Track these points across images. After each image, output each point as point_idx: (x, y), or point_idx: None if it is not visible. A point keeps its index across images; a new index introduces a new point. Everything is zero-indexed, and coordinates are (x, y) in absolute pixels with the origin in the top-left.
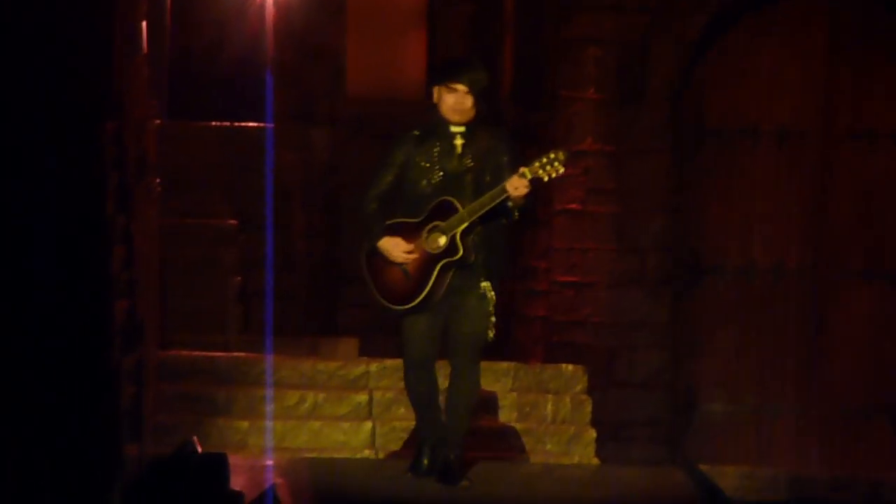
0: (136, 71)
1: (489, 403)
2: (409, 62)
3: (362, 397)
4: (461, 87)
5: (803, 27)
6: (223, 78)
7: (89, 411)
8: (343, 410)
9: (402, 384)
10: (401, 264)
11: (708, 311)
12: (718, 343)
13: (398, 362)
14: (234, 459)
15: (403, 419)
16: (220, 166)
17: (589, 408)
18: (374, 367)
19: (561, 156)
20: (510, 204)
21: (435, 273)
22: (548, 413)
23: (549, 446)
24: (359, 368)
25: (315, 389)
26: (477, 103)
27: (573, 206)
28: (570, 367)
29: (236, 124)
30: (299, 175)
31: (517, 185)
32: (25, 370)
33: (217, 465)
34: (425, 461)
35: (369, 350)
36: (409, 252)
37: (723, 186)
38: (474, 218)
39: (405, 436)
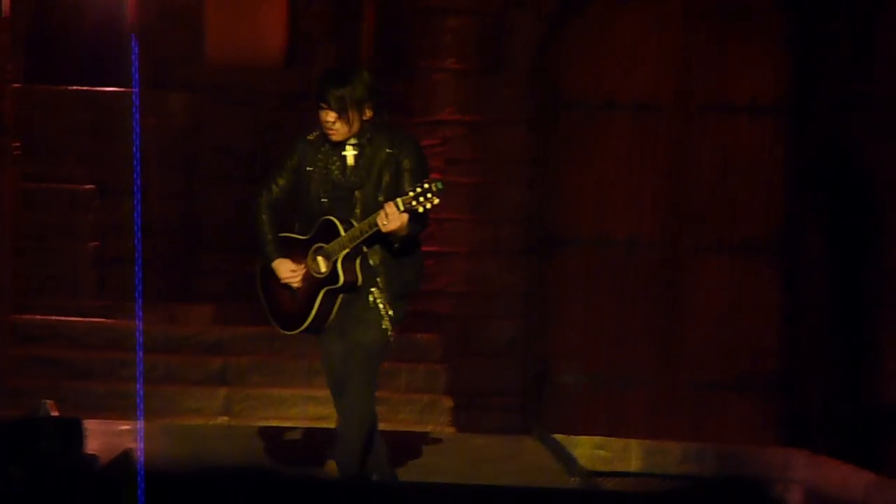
0: None
1: None
2: (270, 28)
3: (217, 364)
4: (324, 106)
5: (661, 0)
6: (83, 42)
7: None
8: (197, 376)
9: (258, 351)
10: (289, 286)
11: (563, 282)
12: (573, 314)
13: (254, 330)
14: (89, 424)
15: (258, 386)
16: (78, 131)
17: (444, 377)
18: (229, 333)
19: (435, 187)
20: (390, 238)
21: (318, 299)
22: (402, 382)
23: (403, 415)
24: (214, 335)
25: (169, 355)
26: (354, 118)
27: (433, 176)
28: (426, 336)
29: (95, 89)
30: (157, 140)
31: (388, 219)
32: None
33: (71, 429)
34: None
35: (226, 317)
36: (295, 272)
37: (579, 158)
38: (353, 245)
39: (259, 403)
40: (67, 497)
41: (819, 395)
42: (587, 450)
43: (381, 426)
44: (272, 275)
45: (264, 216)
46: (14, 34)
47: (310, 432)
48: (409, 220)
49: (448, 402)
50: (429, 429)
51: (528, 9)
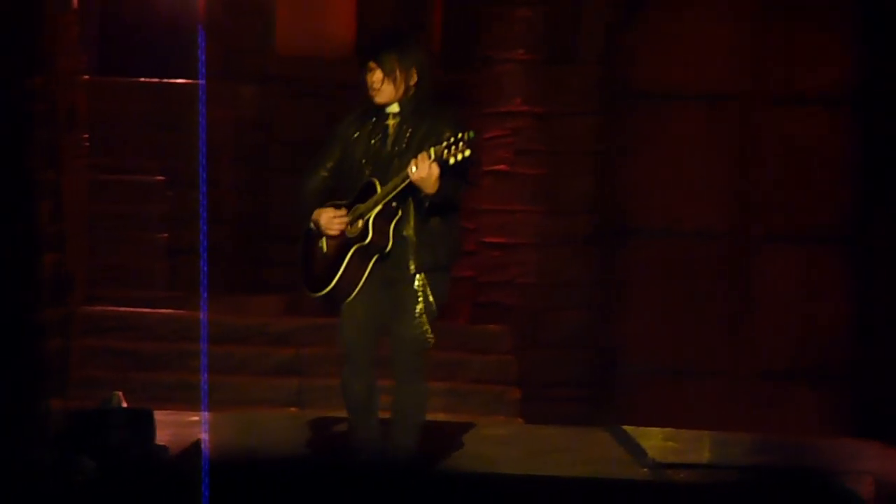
0: (65, 26)
1: None
2: (339, 20)
3: (287, 354)
4: (372, 66)
5: None
6: (153, 34)
7: (14, 363)
8: (268, 366)
9: (329, 342)
10: (323, 251)
11: (633, 272)
12: (643, 304)
13: (324, 320)
14: (159, 415)
15: (329, 376)
16: (149, 123)
17: (514, 368)
18: (299, 324)
19: (467, 136)
20: (421, 195)
21: (347, 258)
22: (472, 373)
23: (472, 406)
24: (284, 325)
25: (240, 345)
26: (401, 82)
27: (501, 167)
28: (496, 327)
29: (165, 81)
30: (228, 132)
31: (418, 168)
32: None
33: (142, 420)
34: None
35: (296, 308)
36: (338, 216)
37: (649, 149)
38: (386, 200)
39: (329, 392)
40: (138, 487)
41: (891, 386)
42: (656, 441)
43: (451, 416)
44: (313, 240)
45: (309, 191)
46: (84, 27)
47: (380, 422)
48: (442, 175)
49: (517, 393)
50: (498, 419)
51: None
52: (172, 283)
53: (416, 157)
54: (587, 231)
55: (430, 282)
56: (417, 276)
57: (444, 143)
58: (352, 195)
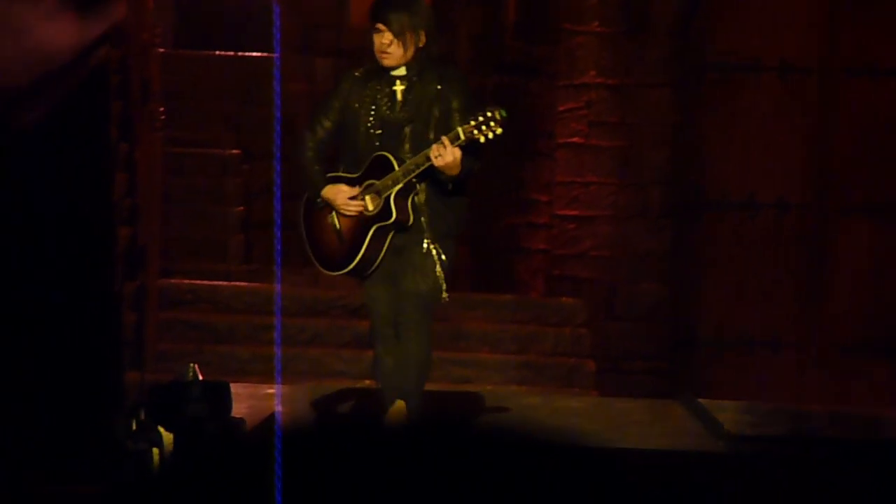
0: None
1: (489, 336)
2: None
3: (363, 327)
4: (381, 27)
5: None
6: (229, 7)
7: (91, 336)
8: (344, 339)
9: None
10: (336, 227)
11: (709, 245)
12: (719, 277)
13: None
14: (235, 387)
15: None
16: (224, 96)
17: (588, 341)
18: None
19: (499, 115)
20: (442, 176)
21: (368, 237)
22: (547, 346)
23: (547, 379)
24: (359, 298)
25: (315, 318)
26: (410, 44)
27: (575, 139)
28: (571, 300)
29: (240, 54)
30: (303, 106)
31: (440, 153)
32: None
33: (219, 393)
34: None
35: None
36: (354, 199)
37: (725, 121)
38: (407, 180)
39: None
40: (216, 460)
41: None
42: (733, 414)
43: (525, 389)
44: (315, 211)
45: (310, 154)
46: (160, 0)
47: (453, 395)
48: (465, 155)
49: (592, 366)
50: (572, 392)
51: None
52: (248, 257)
53: (438, 130)
54: (662, 203)
55: (443, 248)
56: (430, 243)
57: (474, 123)
58: (361, 167)
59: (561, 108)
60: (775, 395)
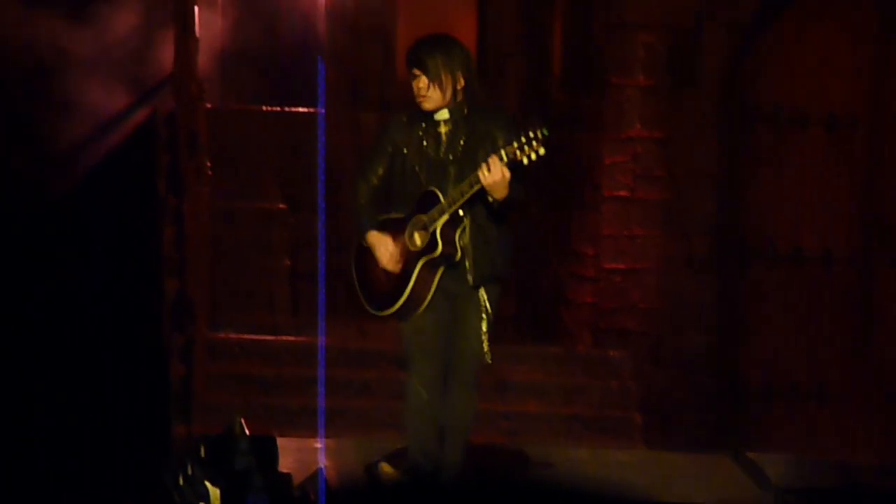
0: (188, 54)
1: (536, 388)
2: None
3: None
4: (417, 72)
5: (854, 12)
6: (276, 62)
7: (139, 389)
8: (392, 391)
9: None
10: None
11: (756, 295)
12: (766, 328)
13: None
14: (282, 441)
15: None
16: (271, 150)
17: (636, 393)
18: None
19: (540, 133)
20: (490, 198)
21: (415, 272)
22: (595, 398)
23: (595, 432)
24: None
25: (364, 370)
26: (447, 87)
27: (622, 192)
28: (618, 352)
29: (287, 109)
30: (349, 159)
31: (489, 171)
32: (78, 347)
33: (266, 446)
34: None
35: None
36: (394, 256)
37: (772, 172)
38: (454, 209)
39: None
40: None
41: None
42: (781, 467)
43: (573, 442)
44: (367, 253)
45: (362, 201)
46: (207, 55)
47: (500, 447)
48: (512, 178)
49: (640, 419)
50: (621, 445)
51: (721, 23)
52: (295, 308)
53: (484, 161)
54: (710, 254)
55: (489, 294)
56: (477, 290)
57: (516, 144)
58: (409, 206)
59: (607, 161)
60: (823, 447)
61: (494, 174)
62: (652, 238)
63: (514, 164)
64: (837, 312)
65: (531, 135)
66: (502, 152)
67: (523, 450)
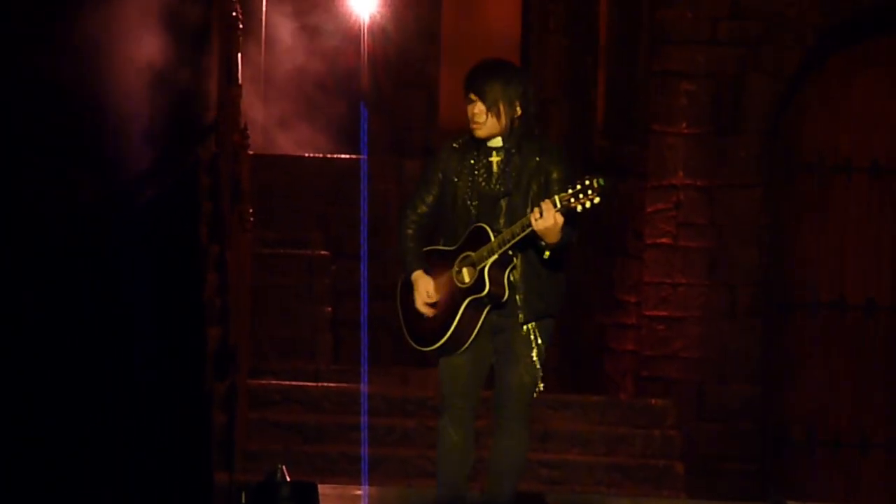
0: (231, 101)
1: (578, 437)
2: None
3: None
4: (474, 97)
5: None
6: (318, 108)
7: (181, 437)
8: (434, 440)
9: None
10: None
11: (799, 345)
12: (809, 378)
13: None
14: (323, 488)
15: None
16: (313, 197)
17: (678, 442)
18: None
19: (597, 183)
20: (542, 242)
21: (461, 311)
22: (637, 448)
23: (638, 482)
24: None
25: (405, 418)
26: (504, 115)
27: (664, 240)
28: (660, 401)
29: (329, 156)
30: (391, 206)
31: (541, 217)
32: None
33: (307, 493)
34: None
35: None
36: (431, 298)
37: (815, 221)
38: (504, 250)
39: None
40: None
41: None
42: None
43: (615, 492)
44: (412, 289)
45: (409, 231)
46: (250, 102)
47: (542, 496)
48: (564, 224)
49: (682, 468)
50: (664, 495)
51: (764, 71)
52: (336, 356)
53: (537, 206)
54: (754, 303)
55: (540, 329)
56: (528, 324)
57: (571, 191)
58: (458, 240)
59: (649, 209)
60: (866, 497)
61: (547, 220)
62: (694, 286)
63: (567, 212)
64: (880, 361)
65: (587, 183)
66: (556, 198)
67: (565, 499)
